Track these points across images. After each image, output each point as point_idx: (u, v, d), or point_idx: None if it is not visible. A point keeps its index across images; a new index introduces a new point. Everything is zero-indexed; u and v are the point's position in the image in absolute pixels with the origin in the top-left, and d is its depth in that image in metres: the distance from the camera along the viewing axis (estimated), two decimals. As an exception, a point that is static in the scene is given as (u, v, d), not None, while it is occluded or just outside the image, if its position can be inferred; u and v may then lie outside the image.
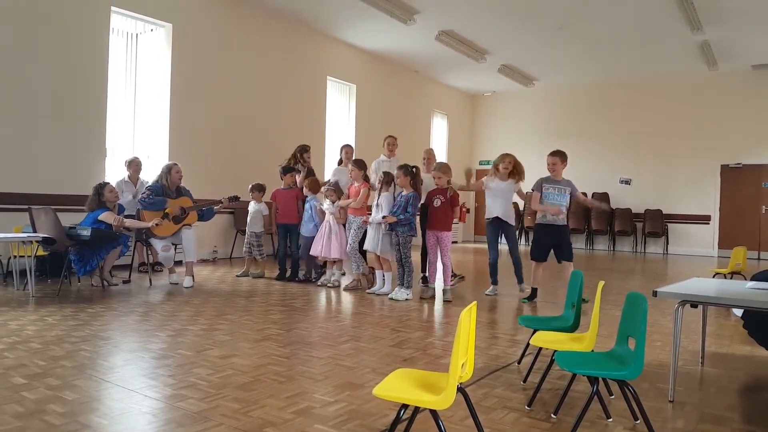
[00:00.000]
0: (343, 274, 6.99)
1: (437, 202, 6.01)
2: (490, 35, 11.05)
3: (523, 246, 14.11)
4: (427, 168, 6.69)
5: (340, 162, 7.40)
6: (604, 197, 14.13)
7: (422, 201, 6.18)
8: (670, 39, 10.73)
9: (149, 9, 8.11)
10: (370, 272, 6.62)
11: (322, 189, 7.04)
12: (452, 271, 6.26)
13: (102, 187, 6.23)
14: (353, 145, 7.89)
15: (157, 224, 6.21)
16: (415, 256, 6.23)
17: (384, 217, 5.94)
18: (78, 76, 7.26)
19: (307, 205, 6.97)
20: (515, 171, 6.36)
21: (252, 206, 7.39)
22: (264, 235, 7.39)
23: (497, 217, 6.35)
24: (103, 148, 7.64)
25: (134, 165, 7.47)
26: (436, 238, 6.04)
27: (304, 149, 7.46)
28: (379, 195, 6.18)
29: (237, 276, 7.28)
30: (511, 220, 6.41)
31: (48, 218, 5.78)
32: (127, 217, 6.39)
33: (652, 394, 3.10)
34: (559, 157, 6.07)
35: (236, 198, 6.96)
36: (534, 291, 6.08)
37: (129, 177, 7.41)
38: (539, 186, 6.03)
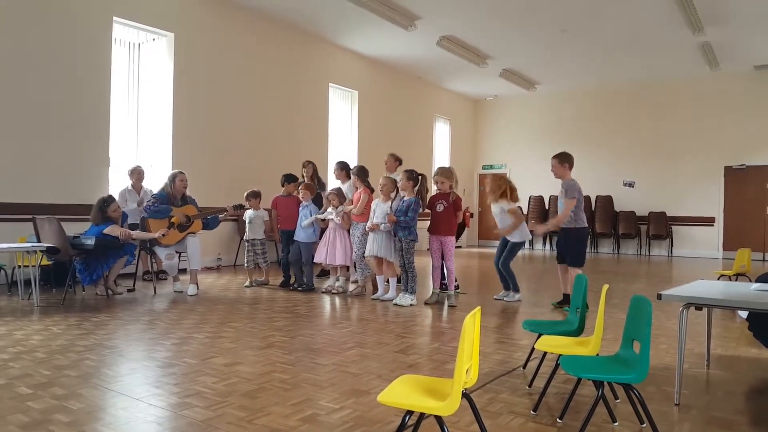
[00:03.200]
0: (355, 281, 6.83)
1: (440, 207, 6.01)
2: (492, 40, 11.06)
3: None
4: (388, 170, 7.14)
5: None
6: (608, 200, 14.13)
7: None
8: (671, 41, 10.73)
9: (151, 19, 8.16)
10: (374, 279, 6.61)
11: (326, 194, 7.05)
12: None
13: (107, 203, 6.14)
14: (355, 152, 7.93)
15: (163, 234, 6.22)
16: (420, 261, 6.20)
17: (387, 215, 5.94)
18: (81, 86, 7.31)
19: (304, 211, 6.86)
20: (505, 191, 6.31)
21: (250, 213, 7.17)
22: (267, 242, 7.34)
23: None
24: (107, 157, 7.67)
25: (137, 173, 7.48)
26: (440, 243, 6.04)
27: (303, 165, 7.96)
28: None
29: (246, 287, 7.09)
30: (512, 237, 6.28)
31: (52, 228, 5.80)
32: (131, 225, 6.40)
33: (658, 397, 3.09)
34: (556, 159, 5.99)
35: (241, 206, 6.98)
36: (565, 297, 5.92)
37: (132, 186, 7.43)
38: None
